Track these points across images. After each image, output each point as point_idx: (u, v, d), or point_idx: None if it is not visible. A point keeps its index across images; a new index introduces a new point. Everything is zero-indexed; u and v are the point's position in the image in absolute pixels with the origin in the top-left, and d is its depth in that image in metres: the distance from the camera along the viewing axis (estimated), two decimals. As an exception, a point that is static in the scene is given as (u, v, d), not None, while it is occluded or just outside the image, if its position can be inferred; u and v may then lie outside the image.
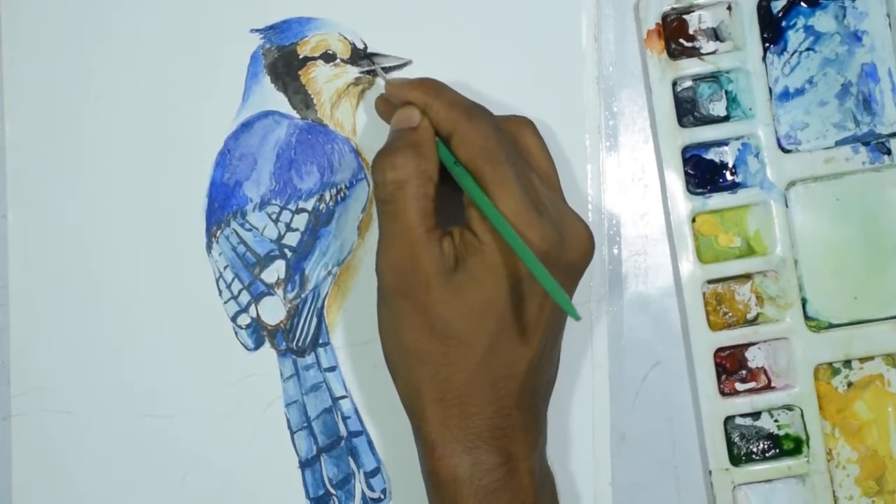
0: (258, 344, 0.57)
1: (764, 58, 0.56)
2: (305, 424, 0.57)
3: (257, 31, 0.57)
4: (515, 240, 0.46)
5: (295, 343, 0.57)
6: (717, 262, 0.56)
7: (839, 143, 0.56)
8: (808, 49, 0.56)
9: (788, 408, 0.56)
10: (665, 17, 0.56)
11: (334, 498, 0.57)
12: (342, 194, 0.57)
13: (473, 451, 0.47)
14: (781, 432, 0.56)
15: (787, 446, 0.56)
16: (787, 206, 0.56)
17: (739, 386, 0.56)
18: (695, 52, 0.57)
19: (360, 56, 0.57)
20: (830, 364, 0.56)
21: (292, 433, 0.57)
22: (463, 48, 0.56)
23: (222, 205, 0.57)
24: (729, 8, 0.56)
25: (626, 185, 0.57)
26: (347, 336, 0.57)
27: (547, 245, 0.47)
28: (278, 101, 0.57)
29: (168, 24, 0.57)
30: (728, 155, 0.56)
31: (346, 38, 0.57)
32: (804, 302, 0.56)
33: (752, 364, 0.56)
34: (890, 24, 0.56)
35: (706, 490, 0.56)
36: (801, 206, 0.56)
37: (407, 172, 0.48)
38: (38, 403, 0.57)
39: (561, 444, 0.56)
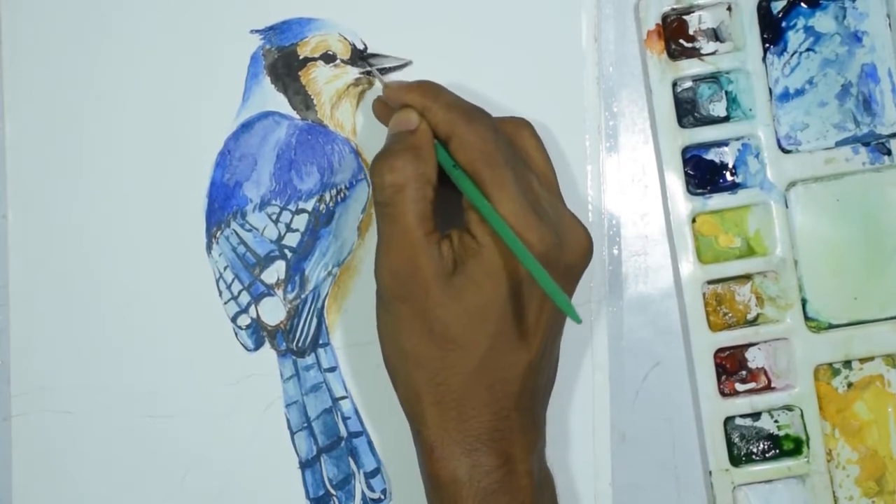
0: (258, 344, 0.57)
1: (764, 58, 0.56)
2: (305, 425, 0.57)
3: (257, 31, 0.57)
4: (515, 242, 0.46)
5: (295, 343, 0.57)
6: (717, 263, 0.56)
7: (839, 144, 0.56)
8: (808, 49, 0.56)
9: (788, 408, 0.56)
10: (665, 17, 0.56)
11: (334, 498, 0.57)
12: (342, 195, 0.57)
13: (472, 453, 0.47)
14: (781, 433, 0.56)
15: (787, 447, 0.56)
16: (787, 207, 0.56)
17: (739, 386, 0.56)
18: (695, 53, 0.57)
19: (360, 57, 0.57)
20: (830, 364, 0.56)
21: (292, 434, 0.57)
22: (463, 48, 0.56)
23: (222, 205, 0.57)
24: (729, 8, 0.56)
25: (626, 185, 0.57)
26: (347, 337, 0.57)
27: (546, 248, 0.47)
28: (278, 102, 0.57)
29: (168, 24, 0.57)
30: (728, 155, 0.56)
31: (346, 38, 0.57)
32: (804, 302, 0.56)
33: (752, 364, 0.56)
34: (890, 25, 0.56)
35: (706, 490, 0.56)
36: (802, 206, 0.56)
37: (406, 175, 0.48)
38: (38, 403, 0.57)
39: (561, 444, 0.56)
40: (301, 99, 0.57)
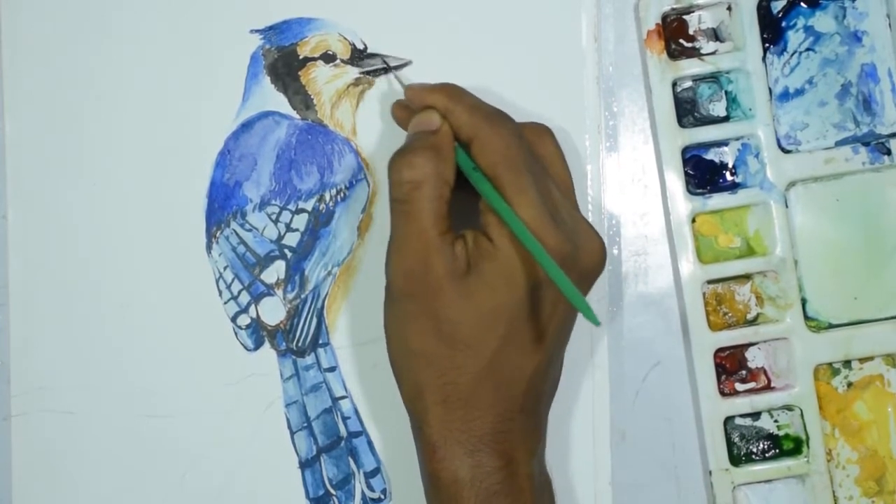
0: (258, 344, 0.57)
1: (764, 58, 0.56)
2: (305, 425, 0.57)
3: (257, 31, 0.57)
4: (535, 246, 0.46)
5: (295, 343, 0.57)
6: (717, 263, 0.56)
7: (839, 144, 0.56)
8: (807, 49, 0.56)
9: (788, 408, 0.56)
10: (665, 17, 0.56)
11: (334, 498, 0.57)
12: (342, 195, 0.57)
13: (475, 454, 0.47)
14: (781, 432, 0.56)
15: (786, 446, 0.56)
16: (787, 207, 0.56)
17: (739, 386, 0.56)
18: (695, 53, 0.57)
19: (361, 56, 0.57)
20: (830, 364, 0.56)
21: (292, 433, 0.57)
22: (463, 48, 0.56)
23: (222, 205, 0.57)
24: (729, 8, 0.56)
25: (626, 185, 0.57)
26: (347, 336, 0.57)
27: (562, 254, 0.47)
28: (278, 102, 0.57)
29: (168, 25, 0.57)
30: (728, 155, 0.56)
31: (346, 38, 0.57)
32: (804, 302, 0.56)
33: (752, 364, 0.56)
34: (890, 25, 0.56)
35: (706, 490, 0.56)
36: (801, 206, 0.56)
37: (425, 173, 0.48)
38: (38, 403, 0.57)
39: (561, 443, 0.56)
40: (301, 99, 0.57)
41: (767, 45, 0.56)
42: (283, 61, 0.57)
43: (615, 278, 0.57)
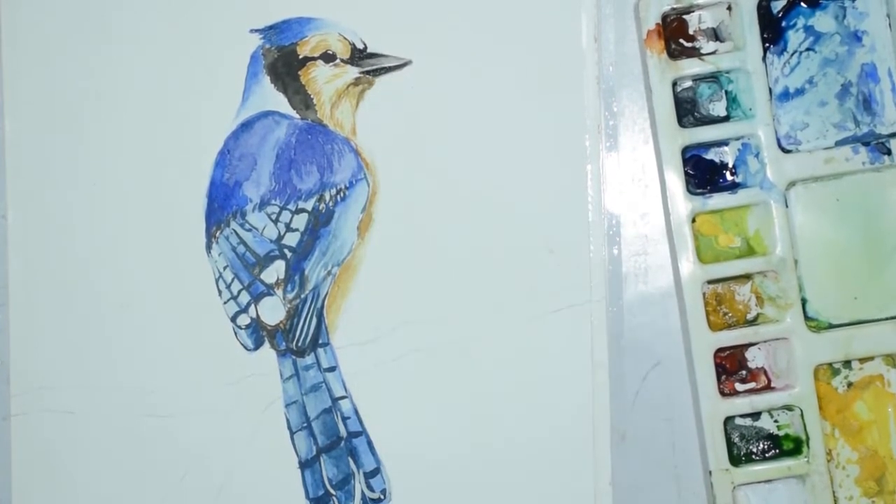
0: (258, 344, 0.57)
1: (764, 58, 0.56)
2: (305, 425, 0.57)
3: (257, 31, 0.57)
4: None
5: (295, 343, 0.57)
6: (717, 263, 0.56)
7: (839, 144, 0.56)
8: (808, 49, 0.56)
9: (788, 408, 0.56)
10: (665, 17, 0.56)
11: (334, 498, 0.57)
12: (342, 194, 0.57)
13: None
14: (781, 432, 0.56)
15: (787, 446, 0.56)
16: (787, 207, 0.56)
17: (739, 386, 0.56)
18: (695, 53, 0.57)
19: (361, 56, 0.57)
20: (830, 364, 0.56)
21: (292, 433, 0.57)
22: (463, 48, 0.56)
23: (222, 205, 0.57)
24: (729, 8, 0.56)
25: (626, 185, 0.57)
26: (347, 336, 0.57)
27: None
28: (278, 102, 0.57)
29: (168, 25, 0.57)
30: (728, 155, 0.56)
31: (345, 38, 0.57)
32: (804, 302, 0.56)
33: (752, 364, 0.56)
34: (890, 24, 0.56)
35: (706, 490, 0.56)
36: (801, 206, 0.56)
37: None
38: (38, 403, 0.57)
39: (561, 443, 0.56)
40: (301, 98, 0.57)
41: (767, 44, 0.56)
42: (283, 61, 0.57)
43: (615, 278, 0.57)
